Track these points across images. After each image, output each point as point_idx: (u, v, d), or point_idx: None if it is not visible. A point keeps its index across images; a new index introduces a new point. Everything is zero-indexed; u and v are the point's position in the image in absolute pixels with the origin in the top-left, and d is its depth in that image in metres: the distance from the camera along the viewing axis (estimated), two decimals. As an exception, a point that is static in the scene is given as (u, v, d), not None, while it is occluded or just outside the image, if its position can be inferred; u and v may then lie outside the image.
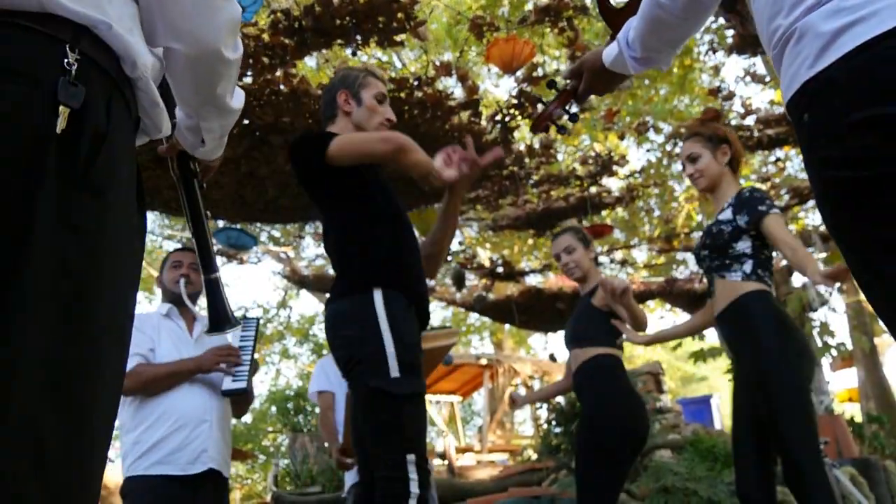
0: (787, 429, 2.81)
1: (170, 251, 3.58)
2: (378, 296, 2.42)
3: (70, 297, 0.89)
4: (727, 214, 3.05)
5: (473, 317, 20.24)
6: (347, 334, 2.44)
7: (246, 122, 5.56)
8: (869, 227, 1.08)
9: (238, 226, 8.69)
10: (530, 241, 12.75)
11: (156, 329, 3.22)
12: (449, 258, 10.00)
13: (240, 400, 3.36)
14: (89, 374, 0.91)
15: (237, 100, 1.32)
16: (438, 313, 24.94)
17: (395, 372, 2.35)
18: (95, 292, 0.93)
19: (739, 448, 3.03)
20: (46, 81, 0.90)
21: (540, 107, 2.24)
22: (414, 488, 2.30)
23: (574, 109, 2.20)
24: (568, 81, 2.09)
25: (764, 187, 9.73)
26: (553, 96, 2.19)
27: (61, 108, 0.89)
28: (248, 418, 23.54)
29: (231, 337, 3.32)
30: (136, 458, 2.98)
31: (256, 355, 3.33)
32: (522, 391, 16.10)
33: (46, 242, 0.86)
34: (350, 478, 3.90)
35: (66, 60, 0.92)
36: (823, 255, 9.81)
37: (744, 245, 3.00)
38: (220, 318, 1.61)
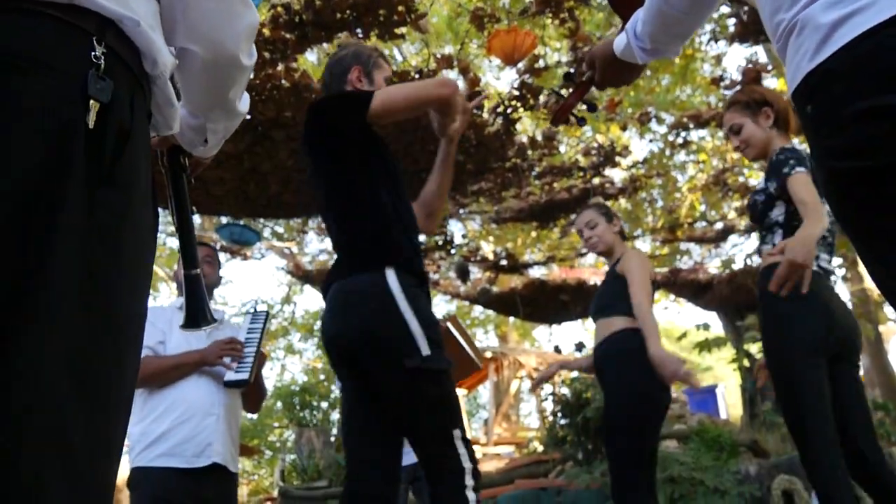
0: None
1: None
2: (391, 274, 2.37)
3: (94, 294, 0.88)
4: (762, 182, 2.93)
5: (478, 310, 20.25)
6: (363, 313, 2.37)
7: (248, 117, 5.55)
8: (873, 216, 1.09)
9: (241, 222, 8.70)
10: (534, 234, 12.74)
11: (168, 322, 3.21)
12: (452, 251, 10.00)
13: (252, 394, 3.35)
14: (112, 369, 0.92)
15: (244, 103, 1.32)
16: (443, 307, 24.98)
17: (426, 350, 2.30)
18: (118, 289, 0.93)
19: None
20: (75, 74, 0.89)
21: (548, 97, 2.26)
22: (466, 462, 2.29)
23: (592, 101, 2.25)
24: (584, 73, 2.08)
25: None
26: (571, 89, 2.21)
27: (91, 102, 0.88)
28: (253, 414, 23.62)
29: (240, 329, 3.33)
30: (142, 448, 2.97)
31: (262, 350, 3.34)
32: (528, 384, 16.10)
33: (72, 239, 0.85)
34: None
35: (93, 53, 0.91)
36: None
37: (777, 213, 2.86)
38: (197, 314, 1.62)
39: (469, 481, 2.28)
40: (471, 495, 2.27)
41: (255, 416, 23.15)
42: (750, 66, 7.18)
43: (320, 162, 2.62)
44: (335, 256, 2.64)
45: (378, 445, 2.49)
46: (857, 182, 1.09)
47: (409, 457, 3.75)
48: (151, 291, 3.27)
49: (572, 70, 2.25)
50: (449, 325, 3.45)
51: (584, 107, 2.25)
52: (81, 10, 0.93)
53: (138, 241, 0.98)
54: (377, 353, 2.34)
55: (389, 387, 2.37)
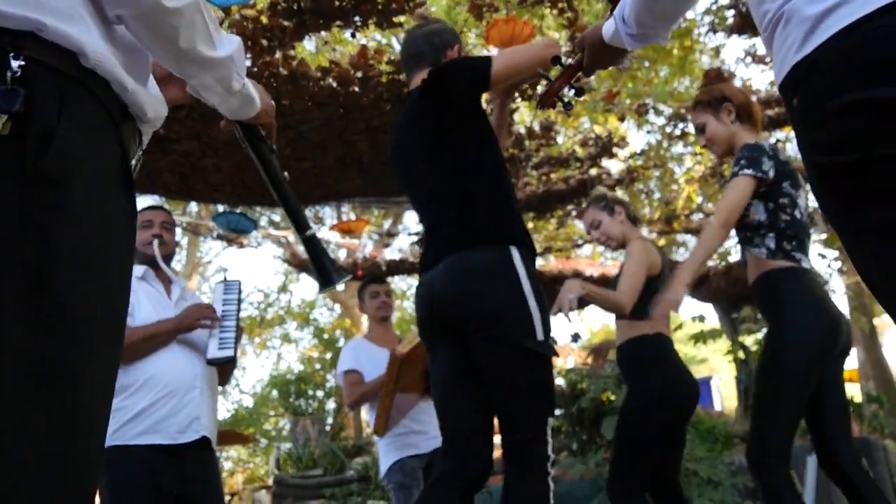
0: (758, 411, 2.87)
1: (139, 210, 3.46)
2: (515, 253, 2.34)
3: (40, 293, 0.90)
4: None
5: (474, 300, 20.23)
6: (488, 290, 2.32)
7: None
8: (859, 210, 1.09)
9: (238, 210, 8.68)
10: (530, 224, 12.73)
11: (133, 293, 3.06)
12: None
13: (226, 368, 3.20)
14: (74, 366, 0.93)
15: (222, 47, 1.26)
16: (439, 297, 24.98)
17: (541, 334, 2.30)
18: (67, 284, 0.93)
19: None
20: None
21: (545, 83, 2.25)
22: (550, 451, 2.30)
23: (578, 85, 2.22)
24: (570, 58, 2.13)
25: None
26: (558, 72, 2.20)
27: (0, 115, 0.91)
28: (249, 402, 23.68)
29: (212, 301, 3.18)
30: (119, 425, 2.78)
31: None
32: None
33: (5, 241, 0.88)
34: (389, 458, 3.82)
35: (8, 70, 0.93)
36: (824, 235, 9.81)
37: (758, 213, 2.85)
38: (328, 272, 1.57)
39: (549, 468, 2.30)
40: (550, 482, 2.29)
41: (250, 405, 23.21)
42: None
43: (435, 124, 2.55)
44: (434, 224, 2.54)
45: (481, 412, 2.49)
46: (841, 176, 1.09)
47: (426, 443, 3.76)
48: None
49: (559, 55, 2.25)
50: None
51: (573, 92, 2.24)
52: None
53: (86, 233, 0.98)
54: (496, 332, 2.31)
55: (503, 366, 2.35)
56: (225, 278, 3.31)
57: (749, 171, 2.79)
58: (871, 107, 1.03)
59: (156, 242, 3.12)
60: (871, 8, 1.04)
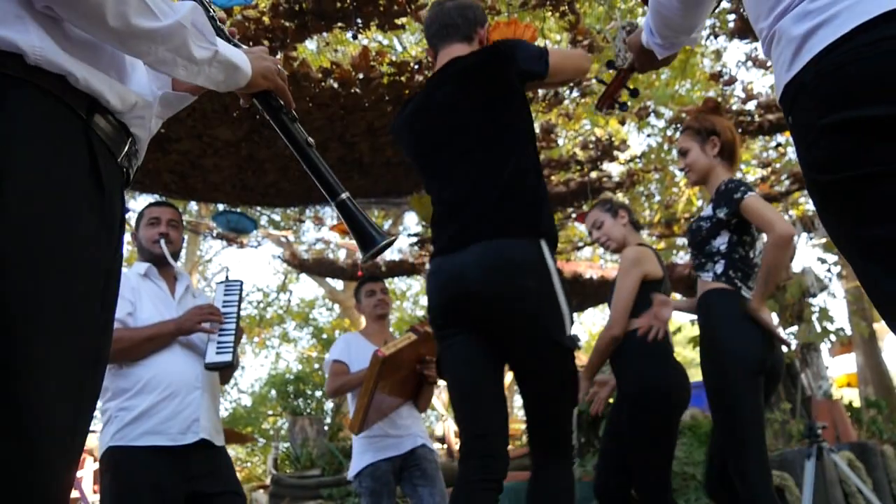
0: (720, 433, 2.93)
1: (145, 206, 3.31)
2: (545, 248, 2.34)
3: None
4: (708, 210, 3.02)
5: (473, 301, 20.23)
6: (529, 286, 2.31)
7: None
8: (850, 227, 1.11)
9: (238, 209, 8.69)
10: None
11: (135, 291, 3.00)
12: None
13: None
14: (10, 363, 0.92)
15: (166, 16, 1.17)
16: (438, 298, 24.97)
17: (570, 329, 2.34)
18: (3, 282, 0.93)
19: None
20: None
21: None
22: (574, 442, 2.38)
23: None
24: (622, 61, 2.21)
25: (765, 172, 9.72)
26: (613, 76, 2.34)
27: None
28: (247, 401, 23.69)
29: (213, 301, 3.13)
30: (120, 426, 2.77)
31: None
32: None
33: None
34: (363, 459, 3.78)
35: None
36: (824, 240, 9.81)
37: (720, 242, 2.95)
38: (367, 237, 1.45)
39: (573, 457, 2.40)
40: (575, 470, 2.36)
41: (248, 404, 23.20)
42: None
43: (494, 104, 2.50)
44: (461, 200, 2.49)
45: (501, 411, 2.49)
46: (832, 194, 1.12)
47: (400, 446, 3.76)
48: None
49: (612, 59, 2.34)
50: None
51: (627, 93, 2.39)
52: None
53: (28, 231, 0.98)
54: (536, 330, 2.33)
55: (542, 363, 2.37)
56: (227, 278, 3.24)
57: (752, 193, 2.88)
58: (852, 127, 1.05)
59: (163, 241, 3.08)
60: (848, 28, 1.06)
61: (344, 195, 1.48)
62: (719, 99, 8.43)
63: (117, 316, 2.87)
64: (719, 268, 2.94)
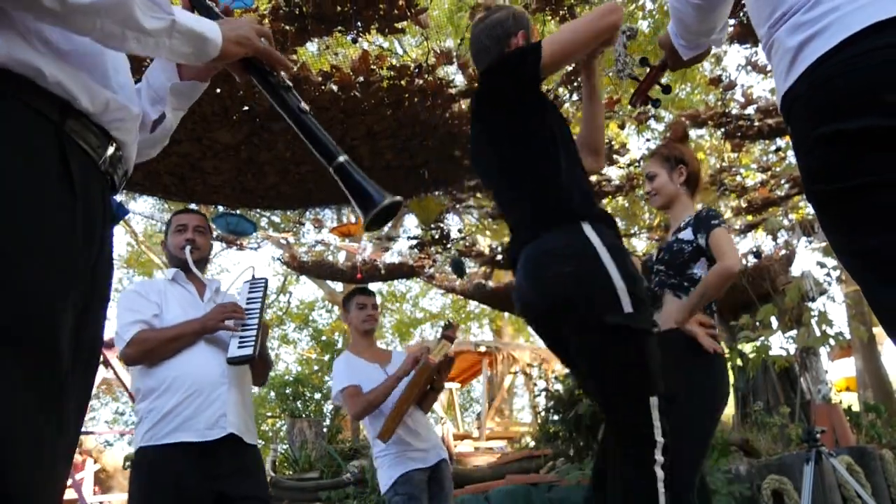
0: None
1: (173, 214, 3.42)
2: (588, 228, 2.24)
3: None
4: (688, 234, 3.06)
5: (473, 304, 20.27)
6: (564, 271, 2.21)
7: (246, 108, 5.55)
8: (843, 235, 1.14)
9: (238, 212, 8.69)
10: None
11: (161, 294, 3.09)
12: (448, 246, 10.00)
13: (256, 367, 3.20)
14: None
15: (124, 11, 1.14)
16: (438, 300, 25.00)
17: (628, 307, 2.14)
18: None
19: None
20: None
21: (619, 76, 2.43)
22: (658, 436, 2.10)
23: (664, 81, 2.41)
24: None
25: (764, 177, 9.72)
26: (646, 72, 2.38)
27: None
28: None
29: (237, 299, 3.19)
30: (150, 426, 2.84)
31: None
32: (522, 379, 16.12)
33: None
34: (394, 471, 3.75)
35: None
36: (823, 244, 9.81)
37: (699, 268, 3.02)
38: (366, 199, 1.35)
39: (659, 456, 2.10)
40: (659, 472, 2.09)
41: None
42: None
43: (494, 126, 2.50)
44: (513, 226, 2.51)
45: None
46: (827, 203, 1.13)
47: (427, 458, 3.75)
48: (146, 278, 3.24)
49: (646, 56, 2.38)
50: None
51: (660, 89, 2.41)
52: None
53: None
54: (575, 313, 2.21)
55: (585, 346, 2.23)
56: (252, 276, 3.30)
57: (725, 225, 2.99)
58: (842, 139, 1.06)
59: (188, 248, 3.16)
60: (837, 40, 1.07)
61: (342, 158, 1.39)
62: (719, 103, 8.44)
63: (143, 318, 2.94)
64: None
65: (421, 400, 3.85)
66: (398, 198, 1.36)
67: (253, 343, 2.96)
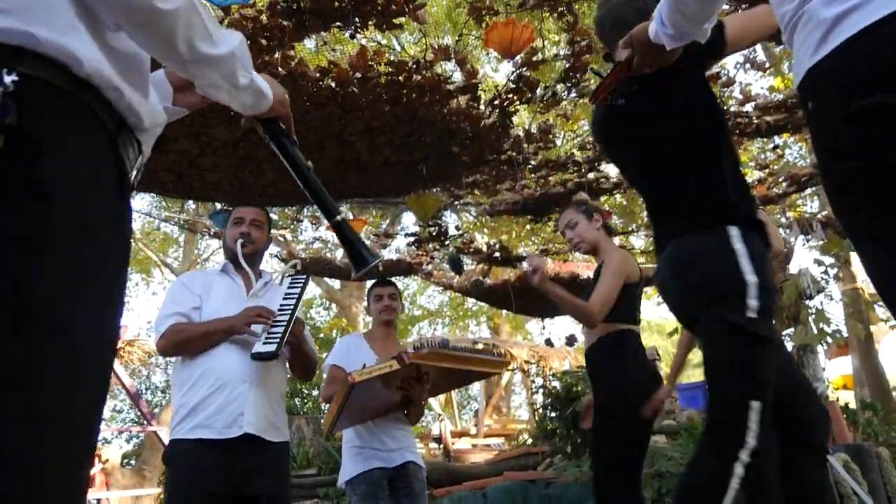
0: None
1: (235, 206, 3.50)
2: (735, 233, 2.25)
3: (20, 302, 0.90)
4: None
5: (470, 302, 20.26)
6: (705, 272, 2.25)
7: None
8: (866, 216, 1.10)
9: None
10: (528, 227, 12.74)
11: (206, 286, 3.16)
12: (446, 243, 10.00)
13: (297, 361, 3.28)
14: (53, 378, 0.92)
15: (223, 44, 1.26)
16: (436, 298, 25.01)
17: (752, 312, 2.17)
18: (49, 293, 0.93)
19: None
20: None
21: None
22: (751, 439, 2.10)
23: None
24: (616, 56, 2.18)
25: (762, 174, 9.73)
26: (609, 68, 2.26)
27: None
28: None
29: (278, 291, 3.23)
30: (179, 420, 2.93)
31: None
32: (519, 377, 16.13)
33: None
34: (355, 467, 3.77)
35: (0, 85, 0.93)
36: (821, 242, 9.83)
37: None
38: (359, 257, 1.56)
39: (745, 457, 2.09)
40: (738, 469, 2.08)
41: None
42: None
43: (646, 117, 2.42)
44: (658, 218, 2.49)
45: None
46: (855, 181, 1.10)
47: (393, 459, 3.74)
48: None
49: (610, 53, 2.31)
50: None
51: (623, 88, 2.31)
52: None
53: (71, 245, 0.98)
54: (706, 310, 2.25)
55: (706, 339, 2.28)
56: (296, 270, 3.35)
57: None
58: (882, 113, 1.03)
59: (240, 242, 3.23)
60: (883, 13, 1.04)
61: (341, 216, 1.58)
62: (718, 101, 8.42)
63: (181, 310, 3.03)
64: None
65: (405, 409, 3.83)
66: (382, 258, 1.65)
67: (278, 340, 2.98)
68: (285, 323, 3.05)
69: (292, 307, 3.12)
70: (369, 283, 4.48)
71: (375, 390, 3.52)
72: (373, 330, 4.21)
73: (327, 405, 3.97)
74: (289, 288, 3.23)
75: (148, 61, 1.22)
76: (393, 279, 4.69)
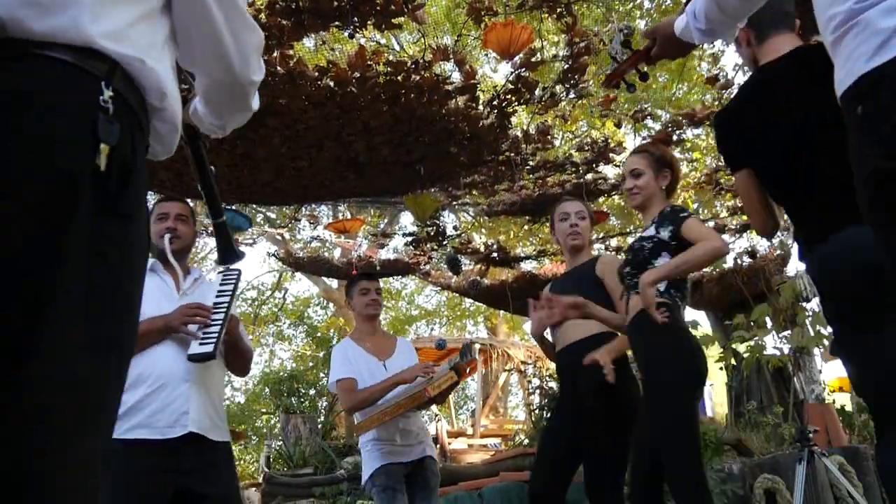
0: (660, 441, 2.90)
1: (156, 201, 3.32)
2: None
3: (95, 317, 0.92)
4: (650, 231, 3.09)
5: (468, 302, 20.26)
6: None
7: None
8: None
9: (233, 207, 8.67)
10: (526, 228, 12.75)
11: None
12: (444, 243, 10.00)
13: (234, 358, 3.17)
14: (108, 388, 0.97)
15: (257, 99, 1.40)
16: (433, 298, 25.00)
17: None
18: (115, 308, 0.97)
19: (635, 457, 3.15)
20: (83, 117, 0.92)
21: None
22: None
23: (645, 69, 2.38)
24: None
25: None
26: (628, 55, 2.36)
27: (102, 145, 0.92)
28: (241, 399, 23.65)
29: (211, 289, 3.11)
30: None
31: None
32: (516, 377, 16.13)
33: (78, 268, 0.90)
34: (373, 463, 3.81)
35: (101, 98, 0.94)
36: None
37: (662, 262, 2.99)
38: (228, 252, 1.96)
39: None
40: None
41: (242, 401, 23.16)
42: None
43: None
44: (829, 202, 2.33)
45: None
46: (893, 189, 1.12)
47: (409, 454, 3.77)
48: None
49: (630, 39, 2.38)
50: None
51: (638, 76, 2.39)
52: (93, 54, 0.96)
53: (134, 263, 1.02)
54: None
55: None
56: (226, 266, 3.24)
57: (695, 216, 3.08)
58: None
59: (168, 237, 3.08)
60: None
61: (223, 219, 1.94)
62: (715, 103, 8.44)
63: None
64: (661, 286, 3.01)
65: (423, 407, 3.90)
66: (244, 256, 2.07)
67: (214, 340, 2.89)
68: (221, 322, 2.95)
69: (227, 304, 3.01)
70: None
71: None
72: (358, 328, 4.17)
73: (324, 401, 4.01)
74: (221, 284, 3.09)
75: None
76: (390, 279, 4.70)
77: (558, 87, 6.74)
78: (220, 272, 3.20)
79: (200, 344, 2.89)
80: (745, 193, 2.45)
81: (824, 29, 1.28)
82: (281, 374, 15.03)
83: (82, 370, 0.90)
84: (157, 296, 3.02)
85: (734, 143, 2.49)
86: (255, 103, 1.40)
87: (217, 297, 3.04)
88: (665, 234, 3.00)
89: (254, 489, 9.17)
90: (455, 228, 11.37)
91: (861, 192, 1.20)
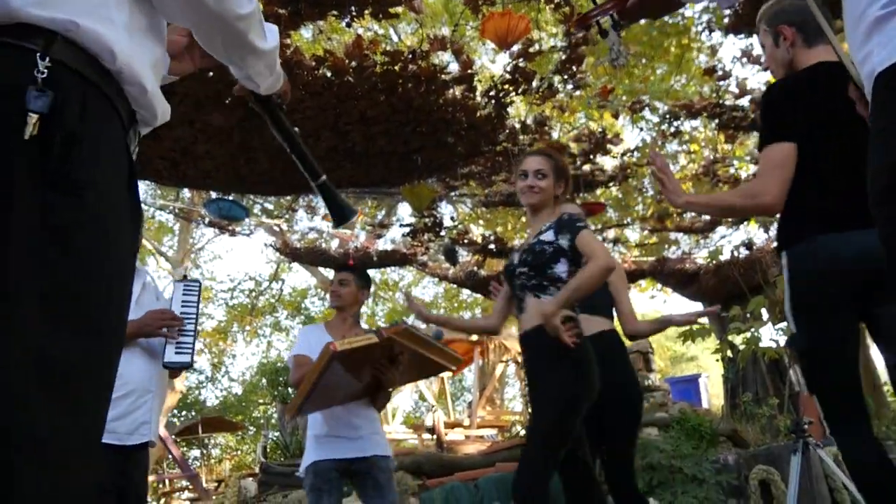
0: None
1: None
2: (784, 258, 2.59)
3: (55, 295, 0.91)
4: (549, 235, 3.16)
5: (465, 293, 20.29)
6: None
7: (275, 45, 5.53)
8: None
9: (230, 197, 8.66)
10: (523, 219, 12.74)
11: None
12: (441, 233, 10.00)
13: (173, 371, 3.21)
14: (84, 363, 0.94)
15: (271, 38, 1.37)
16: (431, 289, 25.02)
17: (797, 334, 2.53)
18: (80, 285, 0.94)
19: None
20: (13, 93, 0.92)
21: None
22: None
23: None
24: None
25: (755, 168, 9.73)
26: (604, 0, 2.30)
27: (30, 115, 0.91)
28: (238, 390, 23.71)
29: (170, 300, 3.14)
30: None
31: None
32: (513, 368, 16.17)
33: (23, 243, 0.88)
34: (308, 457, 3.73)
35: (36, 69, 0.93)
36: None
37: (561, 268, 3.09)
38: (340, 214, 1.78)
39: None
40: None
41: (239, 392, 23.19)
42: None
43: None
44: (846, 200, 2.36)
45: None
46: None
47: (346, 449, 3.73)
48: (139, 265, 3.17)
49: None
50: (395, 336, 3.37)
51: (611, 23, 2.37)
52: (26, 27, 0.96)
53: (99, 236, 0.99)
54: None
55: None
56: (185, 277, 3.32)
57: (589, 227, 3.17)
58: None
59: None
60: None
61: (323, 178, 1.75)
62: (713, 95, 8.43)
63: None
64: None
65: (374, 396, 3.80)
66: (358, 211, 1.82)
67: (190, 350, 2.96)
68: (193, 331, 3.01)
69: (195, 315, 3.08)
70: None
71: (341, 377, 3.47)
72: (332, 318, 4.20)
73: (295, 388, 3.90)
74: (185, 295, 3.15)
75: (167, 56, 1.27)
76: (388, 270, 4.68)
77: (556, 78, 6.73)
78: (178, 282, 3.27)
79: (177, 353, 2.95)
80: (782, 165, 2.45)
81: (868, 5, 1.23)
82: (278, 364, 15.05)
83: (49, 350, 0.89)
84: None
85: (790, 114, 2.49)
86: (262, 41, 1.33)
87: (184, 307, 3.09)
88: (564, 242, 3.09)
89: (251, 479, 9.19)
90: (452, 219, 11.37)
91: (877, 179, 1.18)
